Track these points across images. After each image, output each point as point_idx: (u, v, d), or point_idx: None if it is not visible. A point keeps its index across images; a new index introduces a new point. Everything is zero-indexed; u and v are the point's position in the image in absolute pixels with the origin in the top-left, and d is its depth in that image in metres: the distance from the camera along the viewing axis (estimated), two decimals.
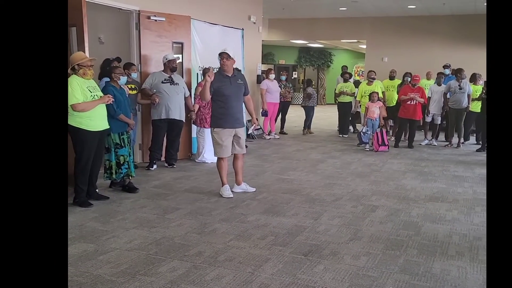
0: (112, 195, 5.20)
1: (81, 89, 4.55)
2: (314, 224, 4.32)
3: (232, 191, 5.29)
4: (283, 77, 10.78)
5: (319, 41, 17.52)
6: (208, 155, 6.98)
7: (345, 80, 10.95)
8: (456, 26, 13.43)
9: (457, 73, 9.06)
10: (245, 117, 6.13)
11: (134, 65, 6.44)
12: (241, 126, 5.29)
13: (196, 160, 7.23)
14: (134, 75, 6.34)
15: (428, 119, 9.67)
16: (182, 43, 7.33)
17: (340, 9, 13.30)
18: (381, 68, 12.28)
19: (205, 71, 6.86)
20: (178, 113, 6.68)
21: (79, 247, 3.67)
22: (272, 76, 10.04)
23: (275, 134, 10.31)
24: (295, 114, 13.37)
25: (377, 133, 8.52)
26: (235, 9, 9.43)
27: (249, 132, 9.09)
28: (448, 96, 9.23)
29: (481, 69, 8.56)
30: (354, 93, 10.53)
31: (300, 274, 3.23)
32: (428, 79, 10.59)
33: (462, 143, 9.33)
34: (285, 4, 12.77)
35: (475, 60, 11.49)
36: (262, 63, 11.12)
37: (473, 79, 9.39)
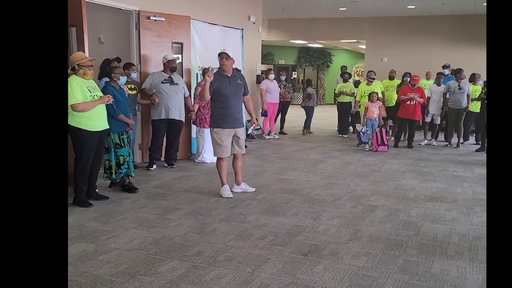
0: (112, 195, 5.20)
1: (81, 89, 4.55)
2: (313, 224, 4.32)
3: (231, 191, 5.29)
4: (283, 77, 10.79)
5: (318, 41, 17.52)
6: (208, 155, 6.99)
7: (345, 80, 10.95)
8: (455, 26, 13.44)
9: (457, 73, 9.07)
10: (245, 117, 6.13)
11: (134, 65, 6.44)
12: (240, 126, 5.29)
13: (196, 160, 7.23)
14: (134, 75, 6.33)
15: (428, 119, 9.68)
16: (181, 43, 7.34)
17: (340, 9, 13.31)
18: (381, 68, 12.28)
19: (204, 71, 6.86)
20: (177, 113, 6.68)
21: (79, 247, 3.67)
22: (272, 76, 10.05)
23: (274, 134, 10.31)
24: (295, 114, 13.37)
25: (376, 133, 8.52)
26: (235, 9, 9.44)
27: (248, 132, 9.10)
28: (447, 96, 9.24)
29: (481, 69, 8.57)
30: (354, 93, 10.54)
31: (300, 274, 3.24)
32: (428, 79, 10.60)
33: (462, 143, 9.34)
34: (285, 4, 12.77)
35: (474, 60, 11.49)
36: (261, 63, 11.12)
37: (473, 79, 9.39)
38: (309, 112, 10.93)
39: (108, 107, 4.88)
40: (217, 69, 5.45)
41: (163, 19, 6.96)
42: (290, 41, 18.08)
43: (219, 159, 5.26)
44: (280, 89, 10.33)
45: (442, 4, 11.84)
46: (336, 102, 11.19)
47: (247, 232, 4.09)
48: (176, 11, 7.26)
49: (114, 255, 3.53)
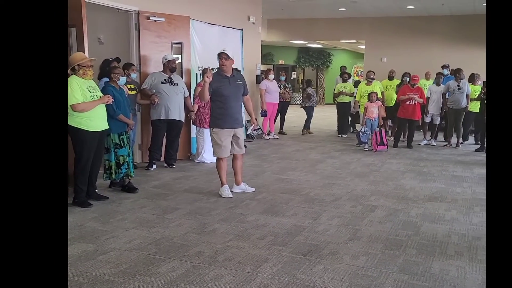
0: (112, 195, 5.20)
1: (81, 90, 4.56)
2: (313, 224, 4.33)
3: (231, 191, 5.30)
4: (282, 77, 10.79)
5: (318, 41, 17.53)
6: (208, 155, 6.99)
7: (344, 80, 10.96)
8: (455, 27, 13.44)
9: (456, 73, 9.07)
10: (244, 117, 6.14)
11: (134, 65, 6.44)
12: (240, 126, 5.29)
13: (196, 160, 7.23)
14: (134, 76, 6.34)
15: (427, 119, 9.69)
16: (181, 44, 7.34)
17: (339, 9, 13.31)
18: (380, 68, 12.29)
19: (204, 72, 6.86)
20: (177, 113, 6.68)
21: (78, 247, 3.68)
22: (271, 76, 10.05)
23: (274, 134, 10.31)
24: (294, 114, 13.38)
25: (376, 133, 8.53)
26: (234, 9, 9.44)
27: (248, 132, 9.10)
28: (447, 96, 9.25)
29: (480, 69, 8.58)
30: (353, 93, 10.55)
31: (300, 274, 3.24)
32: (427, 79, 10.61)
33: (461, 143, 9.35)
34: (284, 5, 12.78)
35: (474, 60, 11.50)
36: (261, 64, 11.13)
37: (472, 79, 9.40)
38: (309, 112, 10.94)
39: (108, 107, 4.89)
40: (216, 69, 5.46)
41: (163, 19, 6.97)
42: (290, 41, 18.09)
43: (218, 159, 5.26)
44: (280, 89, 10.33)
45: (442, 4, 11.85)
46: (336, 102, 11.20)
47: (246, 232, 4.09)
48: (176, 11, 7.27)
49: (114, 255, 3.53)
